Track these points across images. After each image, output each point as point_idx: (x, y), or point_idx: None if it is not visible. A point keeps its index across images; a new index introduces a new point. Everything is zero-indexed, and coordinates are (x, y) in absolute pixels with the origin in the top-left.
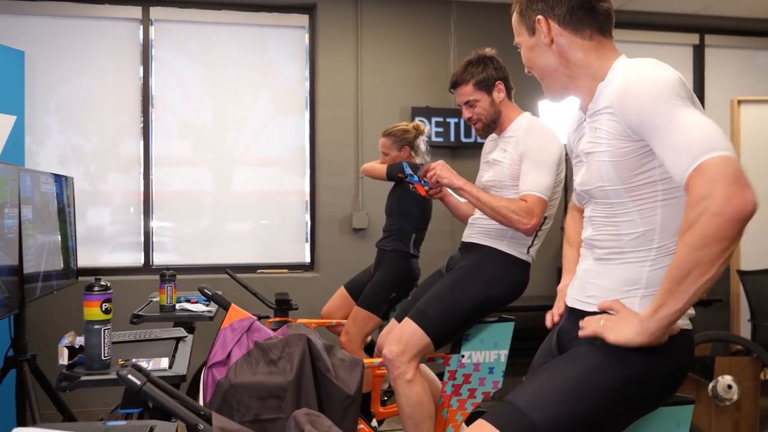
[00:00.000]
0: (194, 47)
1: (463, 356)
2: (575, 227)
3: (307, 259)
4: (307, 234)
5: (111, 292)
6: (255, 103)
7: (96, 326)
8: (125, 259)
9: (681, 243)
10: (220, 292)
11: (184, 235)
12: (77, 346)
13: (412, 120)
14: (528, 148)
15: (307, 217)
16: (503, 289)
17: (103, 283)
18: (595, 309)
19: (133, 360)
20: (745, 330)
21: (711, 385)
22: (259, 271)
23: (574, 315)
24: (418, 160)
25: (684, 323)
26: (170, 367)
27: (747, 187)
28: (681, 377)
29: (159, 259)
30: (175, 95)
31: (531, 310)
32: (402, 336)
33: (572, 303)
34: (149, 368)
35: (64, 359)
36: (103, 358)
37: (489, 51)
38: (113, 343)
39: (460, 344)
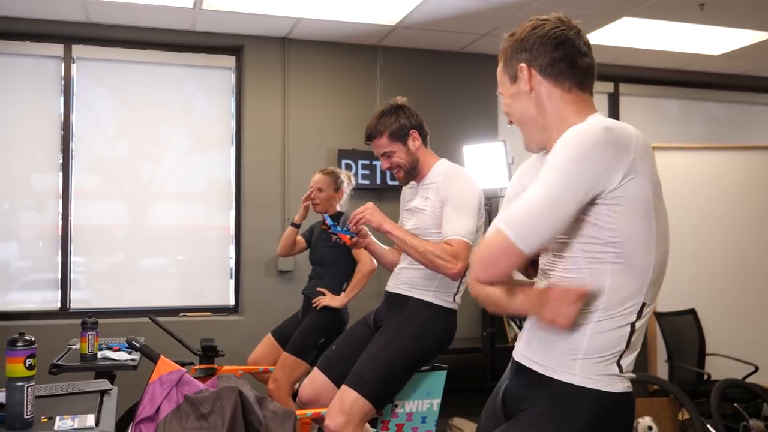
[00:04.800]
0: (115, 84)
1: (396, 406)
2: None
3: (232, 301)
4: (231, 270)
5: (35, 347)
6: (173, 139)
7: (19, 383)
8: (40, 298)
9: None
10: (142, 339)
11: (101, 271)
12: None
13: (339, 163)
14: (449, 193)
15: (232, 252)
16: (435, 341)
17: (27, 337)
18: (538, 370)
19: (57, 418)
20: (662, 370)
21: None
22: (182, 314)
23: (519, 373)
24: (338, 207)
25: (625, 386)
26: (97, 425)
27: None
28: None
29: (76, 296)
30: (92, 130)
31: (459, 352)
32: (343, 406)
33: (518, 357)
34: (75, 426)
35: None
36: (25, 416)
37: (400, 100)
38: (35, 397)
39: None
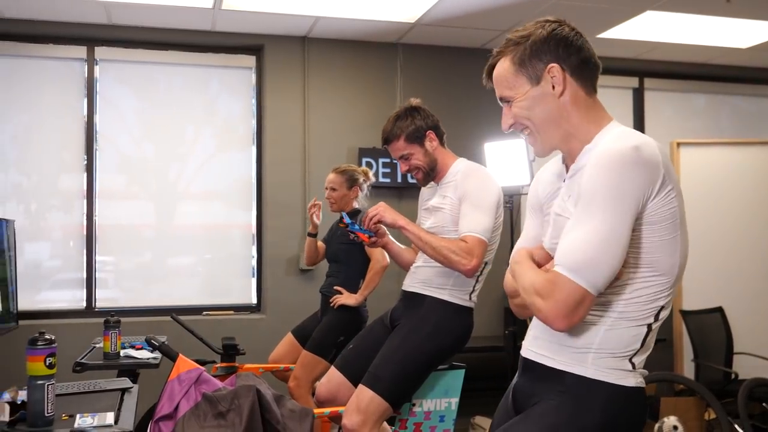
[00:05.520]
0: (138, 85)
1: (414, 404)
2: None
3: (254, 300)
4: (253, 268)
5: (55, 346)
6: (196, 139)
7: (39, 381)
8: (67, 297)
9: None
10: (165, 339)
11: (127, 270)
12: (19, 402)
13: (359, 161)
14: (467, 191)
15: (254, 251)
16: (451, 339)
17: (47, 337)
18: (548, 364)
19: (78, 416)
20: (688, 369)
21: (657, 425)
22: (204, 313)
23: (528, 369)
24: (356, 205)
25: (638, 381)
26: (116, 423)
27: None
28: None
29: (101, 295)
30: (118, 131)
31: (479, 351)
32: (360, 405)
33: (526, 353)
34: (94, 424)
35: (5, 416)
36: (46, 414)
37: (414, 101)
38: (56, 395)
39: None
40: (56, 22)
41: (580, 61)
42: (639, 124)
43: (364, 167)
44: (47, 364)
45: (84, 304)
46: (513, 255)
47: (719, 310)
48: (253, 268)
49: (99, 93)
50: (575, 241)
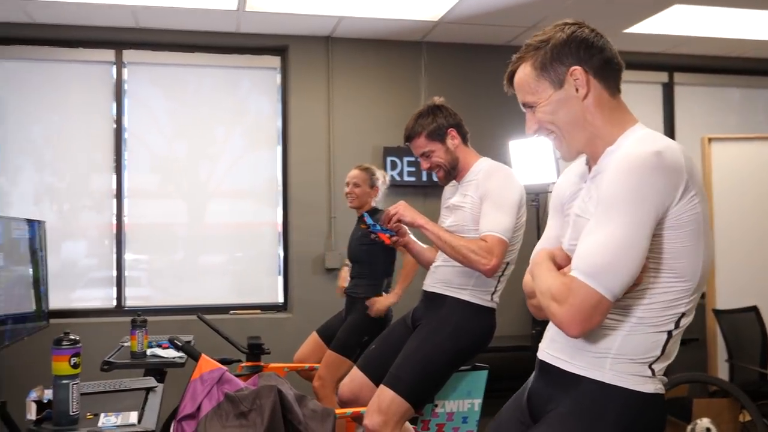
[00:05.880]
0: (167, 86)
1: (436, 405)
2: None
3: (281, 299)
4: (279, 267)
5: (80, 346)
6: (232, 139)
7: (64, 381)
8: (98, 295)
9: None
10: (191, 338)
11: (157, 269)
12: (45, 401)
13: (384, 160)
14: (488, 190)
15: (280, 250)
16: (471, 340)
17: (72, 337)
18: (565, 368)
19: (102, 415)
20: (722, 370)
21: (689, 427)
22: (231, 312)
23: (545, 372)
24: (373, 203)
25: (657, 387)
26: (139, 422)
27: None
28: None
29: (131, 294)
30: (148, 131)
31: (503, 351)
32: (381, 405)
33: (543, 356)
34: (118, 423)
35: (32, 414)
36: (71, 413)
37: (438, 100)
38: (82, 394)
39: None
40: (85, 27)
41: (603, 62)
42: (669, 120)
43: (382, 170)
44: (72, 363)
45: (114, 303)
46: (534, 255)
47: (754, 309)
48: (280, 267)
49: (128, 95)
50: (593, 245)
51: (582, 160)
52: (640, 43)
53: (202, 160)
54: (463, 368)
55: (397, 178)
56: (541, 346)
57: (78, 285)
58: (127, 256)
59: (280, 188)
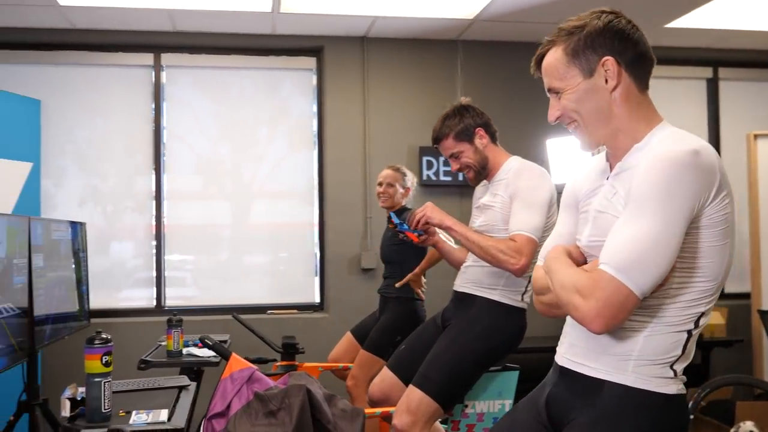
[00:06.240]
0: (206, 89)
1: (466, 406)
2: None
3: (317, 299)
4: (316, 267)
5: (111, 345)
6: (269, 140)
7: (96, 379)
8: (139, 295)
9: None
10: (228, 337)
11: (197, 269)
12: (79, 398)
13: (420, 160)
14: (518, 189)
15: (317, 250)
16: (502, 340)
17: (104, 336)
18: (587, 373)
19: (134, 412)
20: None
21: (732, 430)
22: (269, 312)
23: (565, 377)
24: (404, 203)
25: (679, 388)
26: (169, 419)
27: None
28: None
29: (171, 293)
30: (188, 133)
31: (535, 351)
32: (410, 405)
33: (562, 361)
34: (148, 420)
35: (66, 411)
36: (103, 410)
37: (464, 100)
38: (116, 392)
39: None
40: (124, 31)
41: (636, 56)
42: (713, 116)
43: (411, 172)
44: (104, 362)
45: (154, 302)
46: (547, 251)
47: None
48: (317, 267)
49: (166, 97)
50: (624, 240)
51: (601, 156)
52: (683, 37)
53: (245, 162)
54: (493, 369)
55: (433, 178)
56: (559, 350)
57: (122, 285)
58: (169, 257)
59: (317, 189)
